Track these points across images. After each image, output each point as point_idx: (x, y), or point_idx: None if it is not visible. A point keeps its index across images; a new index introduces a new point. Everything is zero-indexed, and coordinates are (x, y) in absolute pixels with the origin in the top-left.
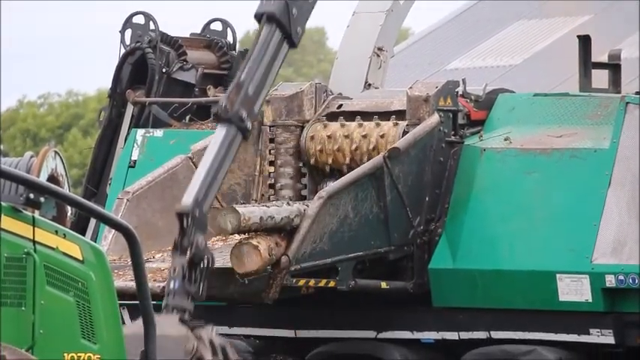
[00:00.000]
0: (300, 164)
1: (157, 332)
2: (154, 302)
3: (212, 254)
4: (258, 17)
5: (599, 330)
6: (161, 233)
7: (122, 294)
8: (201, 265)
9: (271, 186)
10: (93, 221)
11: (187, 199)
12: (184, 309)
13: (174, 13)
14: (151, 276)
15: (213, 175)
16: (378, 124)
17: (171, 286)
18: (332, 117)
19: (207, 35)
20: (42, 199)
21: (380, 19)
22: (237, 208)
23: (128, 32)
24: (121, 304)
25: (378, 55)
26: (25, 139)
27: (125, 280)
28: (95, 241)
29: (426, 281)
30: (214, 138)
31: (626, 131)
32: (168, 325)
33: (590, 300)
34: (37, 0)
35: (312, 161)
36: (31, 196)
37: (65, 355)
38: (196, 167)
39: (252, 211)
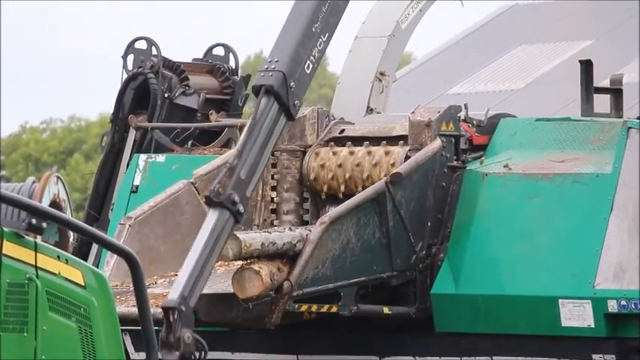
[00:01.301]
0: (303, 189)
1: None
2: (156, 328)
3: (204, 344)
4: (256, 90)
5: (601, 355)
6: (163, 259)
7: (124, 320)
8: (194, 358)
9: (273, 211)
10: (95, 246)
11: (174, 293)
12: None
13: (177, 39)
14: (153, 302)
15: (202, 265)
16: (380, 149)
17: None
18: (334, 142)
19: (210, 60)
20: (44, 225)
21: (382, 44)
22: (238, 235)
23: (130, 57)
24: (123, 330)
25: (380, 80)
26: (27, 164)
27: (127, 306)
28: (97, 267)
29: (428, 306)
30: (205, 223)
31: (629, 156)
32: None
33: (593, 325)
34: (38, 25)
35: (314, 186)
36: (34, 221)
37: None
38: (199, 193)
39: (253, 238)
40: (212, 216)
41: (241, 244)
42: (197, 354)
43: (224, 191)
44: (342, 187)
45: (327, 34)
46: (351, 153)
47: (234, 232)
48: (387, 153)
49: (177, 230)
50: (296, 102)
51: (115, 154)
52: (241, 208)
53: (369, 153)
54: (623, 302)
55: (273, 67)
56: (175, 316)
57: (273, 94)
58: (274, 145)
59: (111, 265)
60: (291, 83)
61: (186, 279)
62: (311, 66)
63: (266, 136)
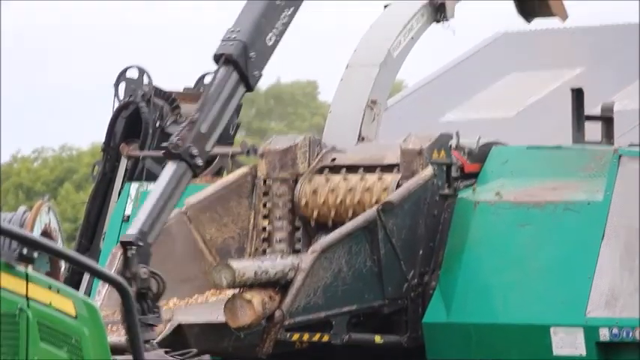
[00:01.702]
0: (294, 218)
1: None
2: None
3: (161, 277)
4: (217, 58)
5: None
6: None
7: (115, 349)
8: (151, 293)
9: (265, 240)
10: (87, 276)
11: (132, 229)
12: (149, 339)
13: (168, 67)
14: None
15: (160, 208)
16: (372, 177)
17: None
18: (326, 170)
19: (201, 89)
20: (35, 255)
21: (373, 72)
22: (231, 264)
23: (122, 86)
24: None
25: (372, 108)
26: (18, 192)
27: (119, 335)
28: (89, 296)
29: (420, 335)
30: (163, 173)
31: (620, 184)
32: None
33: (584, 354)
34: (30, 53)
35: (305, 215)
36: (25, 251)
37: None
38: (190, 222)
39: (246, 267)
40: (170, 168)
41: (235, 273)
42: (155, 288)
43: (183, 144)
44: (334, 216)
45: (291, 8)
46: (343, 181)
47: (228, 261)
48: (378, 181)
49: (169, 259)
50: (255, 72)
51: (106, 183)
52: (199, 162)
53: (361, 181)
54: (615, 330)
55: (234, 36)
56: (133, 251)
57: (233, 62)
58: (232, 111)
59: (102, 295)
60: (252, 53)
61: (144, 217)
62: (274, 39)
63: (225, 100)
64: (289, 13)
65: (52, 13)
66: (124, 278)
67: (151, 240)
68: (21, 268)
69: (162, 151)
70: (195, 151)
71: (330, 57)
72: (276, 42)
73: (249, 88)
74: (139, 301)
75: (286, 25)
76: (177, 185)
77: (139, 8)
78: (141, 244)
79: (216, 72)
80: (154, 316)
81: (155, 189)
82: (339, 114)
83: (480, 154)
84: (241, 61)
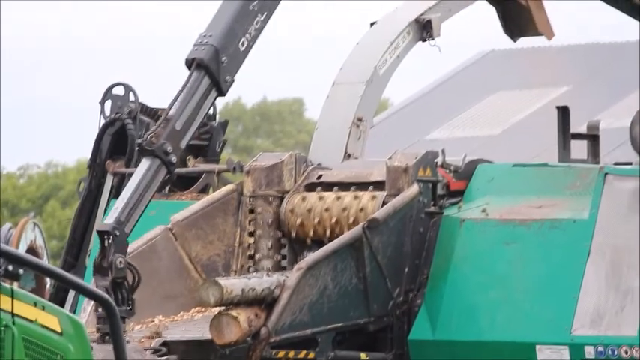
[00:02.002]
0: (280, 235)
1: None
2: None
3: (137, 269)
4: (188, 63)
5: None
6: (140, 304)
7: None
8: (126, 284)
9: (251, 257)
10: (72, 293)
11: (110, 219)
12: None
13: (154, 84)
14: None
15: (136, 200)
16: (357, 196)
17: (100, 311)
18: (312, 188)
19: None
20: (21, 271)
21: (359, 90)
22: (219, 281)
23: (108, 103)
24: None
25: (358, 126)
26: (2, 210)
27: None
28: (74, 313)
29: (405, 352)
30: (138, 169)
31: (605, 202)
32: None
33: None
34: (14, 69)
35: (291, 232)
36: (10, 267)
37: None
38: (176, 239)
39: (233, 284)
40: (144, 164)
41: (223, 290)
42: (130, 279)
43: (157, 140)
44: (319, 233)
45: (265, 14)
46: (329, 199)
47: (216, 278)
48: (364, 198)
49: (155, 276)
50: (227, 77)
51: (92, 200)
52: (173, 159)
53: (347, 198)
54: (600, 348)
55: (205, 41)
56: (110, 241)
57: (204, 67)
58: (205, 114)
59: (88, 312)
60: (224, 58)
61: (121, 208)
62: (246, 43)
63: (197, 103)
64: (262, 18)
65: (38, 30)
66: (100, 267)
67: (128, 230)
68: (7, 284)
69: (137, 148)
70: (169, 148)
71: (316, 74)
72: (249, 47)
73: (221, 92)
74: (114, 291)
75: (259, 30)
76: (151, 181)
77: (125, 25)
78: (117, 233)
79: (188, 77)
80: (127, 308)
81: (130, 184)
82: (325, 131)
83: (466, 172)
84: (213, 66)
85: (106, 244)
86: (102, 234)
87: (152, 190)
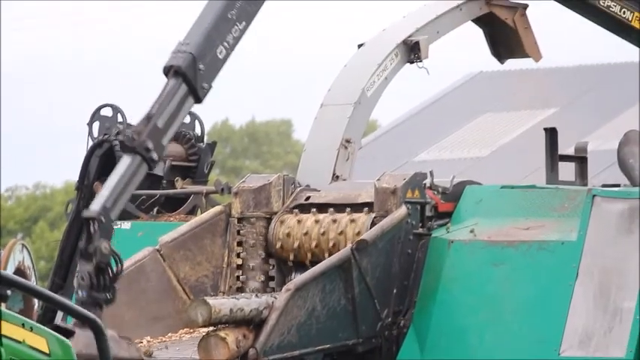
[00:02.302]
0: (268, 256)
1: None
2: None
3: (120, 258)
4: (166, 70)
5: None
6: (127, 326)
7: None
8: (109, 271)
9: (239, 278)
10: (60, 314)
11: (95, 205)
12: (95, 318)
13: (142, 105)
14: None
15: (120, 190)
16: (345, 216)
17: (80, 295)
18: (300, 209)
19: None
20: (9, 292)
21: (347, 111)
22: (207, 301)
23: (96, 125)
24: None
25: (346, 147)
26: None
27: None
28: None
29: None
30: (118, 165)
31: (593, 223)
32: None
33: None
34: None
35: (279, 253)
36: None
37: None
38: (164, 260)
39: (222, 304)
40: (124, 161)
41: (211, 310)
42: (114, 267)
43: (139, 137)
44: (308, 255)
45: (243, 22)
46: (317, 220)
47: (204, 298)
48: (352, 220)
49: (142, 297)
50: (205, 85)
51: (80, 221)
52: (154, 156)
53: (335, 220)
54: None
55: (183, 49)
56: (95, 227)
57: (181, 74)
58: (181, 122)
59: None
60: (201, 66)
61: (107, 195)
62: (224, 52)
63: (176, 107)
64: (241, 27)
65: (26, 48)
66: (86, 252)
67: (114, 217)
68: None
69: (119, 145)
70: (150, 145)
71: (304, 96)
72: (227, 55)
73: (198, 100)
74: (97, 276)
75: (238, 39)
76: (132, 176)
77: (112, 46)
78: (103, 219)
79: (166, 84)
80: (107, 296)
81: (112, 177)
82: (314, 153)
83: (454, 194)
84: (190, 73)
85: (91, 230)
86: (88, 220)
87: (134, 186)
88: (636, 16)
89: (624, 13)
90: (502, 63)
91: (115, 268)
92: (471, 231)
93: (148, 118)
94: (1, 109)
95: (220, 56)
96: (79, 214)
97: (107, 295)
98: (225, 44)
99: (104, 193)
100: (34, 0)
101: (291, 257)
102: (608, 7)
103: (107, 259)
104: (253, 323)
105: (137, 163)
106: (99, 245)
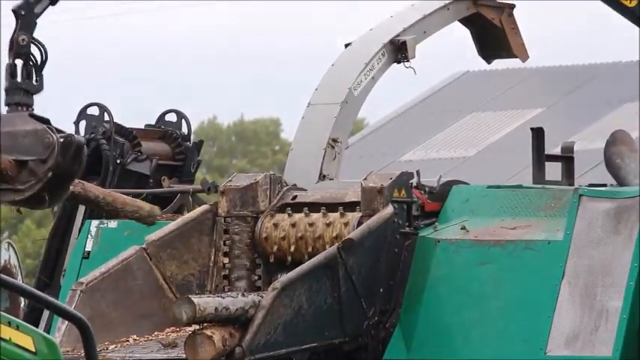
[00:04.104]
0: (255, 255)
1: (10, 128)
2: None
3: (44, 46)
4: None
5: None
6: (115, 325)
7: None
8: (33, 60)
9: (225, 277)
10: (46, 312)
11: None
12: (26, 104)
13: (129, 104)
14: None
15: None
16: (332, 215)
17: (7, 86)
18: (286, 208)
19: (162, 126)
20: None
21: (334, 111)
22: (192, 299)
23: (83, 124)
24: None
25: (333, 147)
26: None
27: None
28: (48, 333)
29: None
30: None
31: (580, 223)
32: (20, 121)
33: None
34: None
35: (266, 252)
36: None
37: None
38: (151, 259)
39: (207, 302)
40: None
41: (195, 308)
42: (39, 57)
43: None
44: (294, 253)
45: None
46: (304, 219)
47: (189, 296)
48: (339, 219)
49: (129, 296)
50: None
51: (66, 219)
52: None
53: (322, 219)
54: None
55: None
56: (18, 21)
57: None
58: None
59: (62, 331)
60: None
61: None
62: None
63: None
64: None
65: None
66: (10, 44)
67: (38, 11)
68: None
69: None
70: None
71: (292, 94)
72: None
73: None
74: (22, 66)
75: None
76: None
77: (99, 44)
78: (23, 12)
79: None
80: (36, 84)
81: None
82: (300, 152)
83: (441, 193)
84: None
85: (17, 19)
86: (14, 12)
87: None
88: None
89: None
90: (489, 63)
91: (39, 57)
92: (458, 231)
93: None
94: None
95: None
96: (66, 212)
97: (34, 82)
98: None
99: None
100: None
101: (278, 256)
102: None
103: (26, 49)
104: (239, 322)
105: None
106: (19, 38)
